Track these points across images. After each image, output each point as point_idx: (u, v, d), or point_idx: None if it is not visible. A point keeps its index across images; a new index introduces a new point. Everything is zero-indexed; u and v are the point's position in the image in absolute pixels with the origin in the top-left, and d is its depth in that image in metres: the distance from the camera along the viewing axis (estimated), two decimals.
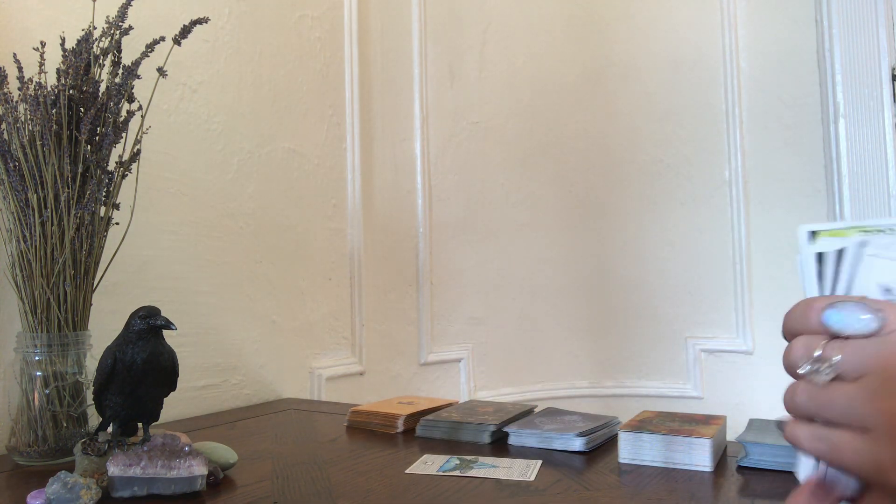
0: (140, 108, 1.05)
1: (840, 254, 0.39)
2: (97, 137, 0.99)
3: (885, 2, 1.77)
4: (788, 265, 1.91)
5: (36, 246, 0.95)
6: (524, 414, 1.12)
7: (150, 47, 1.03)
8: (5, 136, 0.95)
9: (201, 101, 1.37)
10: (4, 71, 0.96)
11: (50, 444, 0.95)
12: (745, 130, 1.96)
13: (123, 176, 1.03)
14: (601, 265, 2.08)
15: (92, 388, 0.85)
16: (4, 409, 1.01)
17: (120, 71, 1.02)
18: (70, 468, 0.81)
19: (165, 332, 0.84)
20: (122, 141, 1.04)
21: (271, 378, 1.48)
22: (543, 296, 2.06)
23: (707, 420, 0.96)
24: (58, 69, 0.98)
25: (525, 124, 2.07)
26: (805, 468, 0.39)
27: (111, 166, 1.03)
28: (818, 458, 0.36)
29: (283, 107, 1.55)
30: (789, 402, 0.37)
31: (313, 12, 1.64)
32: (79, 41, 0.99)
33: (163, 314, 0.83)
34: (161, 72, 1.04)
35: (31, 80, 0.96)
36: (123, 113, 1.03)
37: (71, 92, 0.97)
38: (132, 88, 1.02)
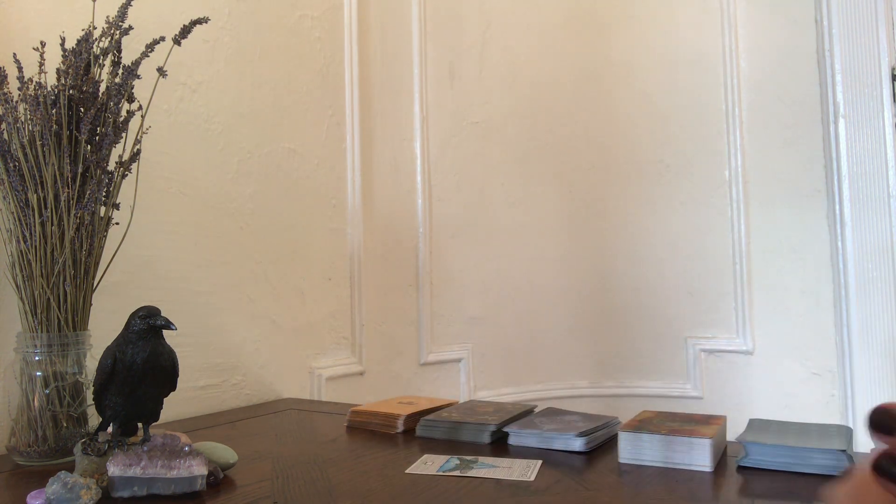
0: (140, 108, 1.05)
1: None
2: (97, 137, 0.99)
3: (885, 2, 1.77)
4: (788, 265, 1.91)
5: (36, 246, 0.95)
6: (524, 414, 1.12)
7: (150, 47, 1.03)
8: (5, 136, 0.95)
9: (201, 101, 1.37)
10: (4, 71, 0.96)
11: (50, 444, 0.95)
12: (745, 130, 1.96)
13: (123, 176, 1.03)
14: (601, 265, 2.08)
15: (92, 388, 0.85)
16: (4, 409, 1.01)
17: (120, 71, 1.02)
18: (70, 468, 0.81)
19: (165, 332, 0.84)
20: (122, 141, 1.04)
21: (271, 378, 1.48)
22: (543, 296, 2.06)
23: (707, 420, 0.96)
24: (58, 69, 0.98)
25: (525, 124, 2.07)
26: None
27: (111, 166, 1.03)
28: None
29: (283, 107, 1.55)
30: None
31: (313, 12, 1.64)
32: (79, 41, 0.99)
33: (163, 314, 0.83)
34: (161, 72, 1.04)
35: (31, 80, 0.96)
36: (123, 113, 1.03)
37: (71, 92, 0.97)
38: (132, 88, 1.02)
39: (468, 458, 0.92)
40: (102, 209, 1.01)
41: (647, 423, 0.93)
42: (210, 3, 1.39)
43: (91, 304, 1.01)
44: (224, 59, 1.42)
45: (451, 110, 1.97)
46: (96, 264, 1.01)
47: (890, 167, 1.76)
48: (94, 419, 0.98)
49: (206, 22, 1.06)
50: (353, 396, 1.64)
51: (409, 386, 1.83)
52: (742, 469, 0.85)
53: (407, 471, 0.87)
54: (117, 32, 1.02)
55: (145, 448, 0.80)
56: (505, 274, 2.03)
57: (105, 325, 1.05)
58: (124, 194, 1.05)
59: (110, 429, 0.85)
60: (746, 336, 1.94)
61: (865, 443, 0.89)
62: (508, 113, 2.05)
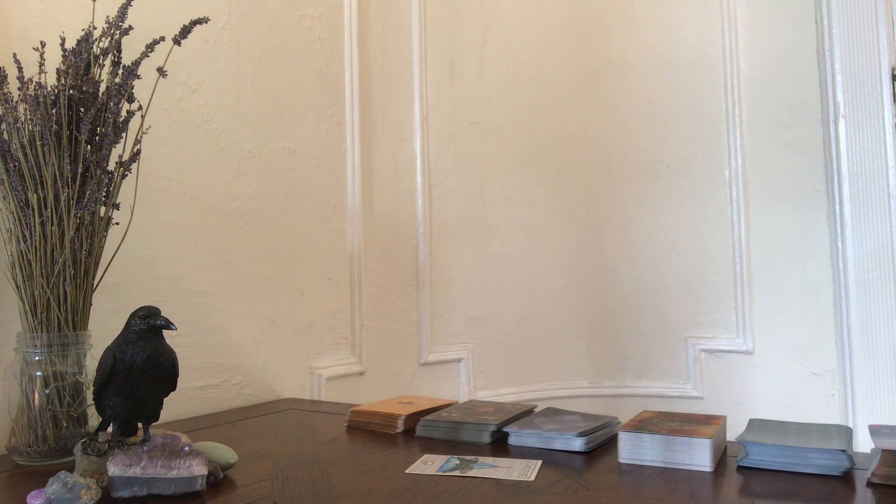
0: (140, 108, 1.05)
1: None
2: (97, 137, 0.99)
3: (885, 2, 1.77)
4: (788, 265, 1.91)
5: (36, 246, 0.95)
6: (524, 414, 1.12)
7: (150, 47, 1.03)
8: (5, 136, 0.95)
9: (201, 101, 1.37)
10: (4, 71, 0.96)
11: (50, 444, 0.95)
12: (745, 130, 1.96)
13: (123, 176, 1.03)
14: (601, 265, 2.08)
15: (92, 388, 0.85)
16: (4, 409, 1.01)
17: (120, 71, 1.02)
18: (70, 468, 0.81)
19: (165, 332, 0.84)
20: (122, 141, 1.04)
21: (271, 378, 1.48)
22: (543, 296, 2.06)
23: (707, 420, 0.96)
24: (58, 69, 0.98)
25: (525, 124, 2.07)
26: None
27: (111, 166, 1.03)
28: None
29: (283, 107, 1.55)
30: None
31: (313, 12, 1.64)
32: (79, 41, 0.99)
33: (163, 314, 0.83)
34: (161, 72, 1.04)
35: (31, 80, 0.96)
36: (123, 113, 1.03)
37: (71, 92, 0.97)
38: (132, 88, 1.02)
39: (468, 458, 0.92)
40: (102, 209, 1.01)
41: (647, 423, 0.93)
42: (210, 3, 1.39)
43: (91, 304, 1.01)
44: (224, 59, 1.42)
45: (451, 110, 1.97)
46: (96, 264, 1.01)
47: (890, 167, 1.76)
48: (94, 419, 0.98)
49: (206, 22, 1.06)
50: (353, 396, 1.64)
51: (409, 386, 1.83)
52: (742, 469, 0.85)
53: (407, 471, 0.87)
54: (117, 32, 1.02)
55: (145, 448, 0.80)
56: (505, 274, 2.03)
57: (105, 325, 1.05)
58: (124, 194, 1.05)
59: (110, 429, 0.85)
60: (746, 336, 1.94)
61: (865, 443, 0.89)
62: (508, 113, 2.05)
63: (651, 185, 2.05)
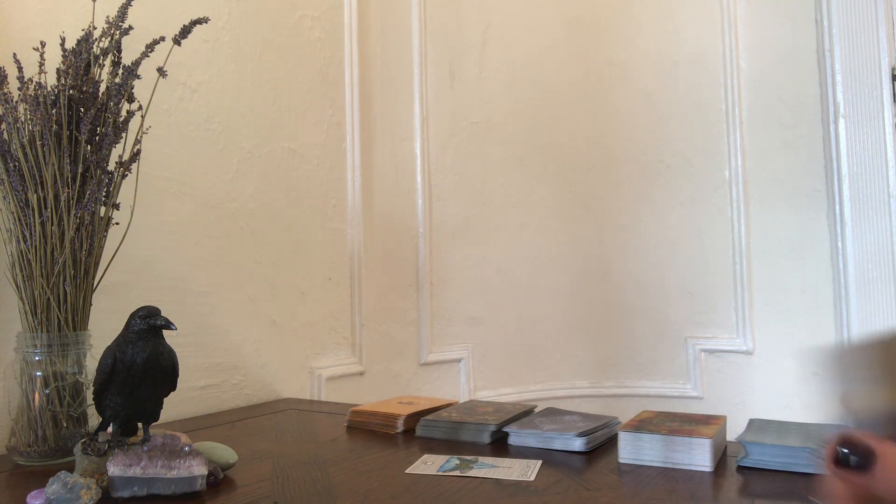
0: (140, 108, 1.05)
1: None
2: (97, 137, 0.99)
3: (885, 2, 1.77)
4: (788, 265, 1.91)
5: (36, 246, 0.95)
6: (524, 414, 1.12)
7: (150, 47, 1.03)
8: (5, 136, 0.95)
9: (201, 101, 1.37)
10: (4, 71, 0.96)
11: (50, 444, 0.95)
12: (745, 130, 1.96)
13: (123, 176, 1.03)
14: (601, 265, 2.08)
15: (92, 388, 0.85)
16: (4, 409, 1.01)
17: (120, 71, 1.02)
18: (70, 468, 0.81)
19: (165, 332, 0.84)
20: (122, 141, 1.04)
21: (271, 378, 1.48)
22: (543, 296, 2.06)
23: (707, 420, 0.96)
24: (58, 69, 0.98)
25: (525, 124, 2.07)
26: None
27: (111, 166, 1.03)
28: None
29: (283, 107, 1.55)
30: None
31: (313, 12, 1.64)
32: (79, 41, 0.99)
33: (163, 314, 0.83)
34: (161, 72, 1.04)
35: (31, 80, 0.96)
36: (123, 113, 1.03)
37: (71, 92, 0.97)
38: (132, 88, 1.02)
39: (468, 458, 0.92)
40: (102, 209, 1.01)
41: (647, 423, 0.93)
42: (210, 3, 1.39)
43: (91, 304, 1.01)
44: (224, 59, 1.42)
45: (451, 110, 1.97)
46: (96, 264, 1.01)
47: (890, 167, 1.76)
48: (94, 419, 0.98)
49: (206, 22, 1.06)
50: (353, 396, 1.64)
51: (409, 386, 1.83)
52: (742, 469, 0.85)
53: (407, 471, 0.87)
54: (117, 32, 1.02)
55: (145, 448, 0.80)
56: (505, 274, 2.03)
57: (105, 325, 1.05)
58: (124, 194, 1.05)
59: (110, 429, 0.85)
60: (746, 336, 1.94)
61: None
62: (508, 113, 2.05)
63: (651, 185, 2.05)
